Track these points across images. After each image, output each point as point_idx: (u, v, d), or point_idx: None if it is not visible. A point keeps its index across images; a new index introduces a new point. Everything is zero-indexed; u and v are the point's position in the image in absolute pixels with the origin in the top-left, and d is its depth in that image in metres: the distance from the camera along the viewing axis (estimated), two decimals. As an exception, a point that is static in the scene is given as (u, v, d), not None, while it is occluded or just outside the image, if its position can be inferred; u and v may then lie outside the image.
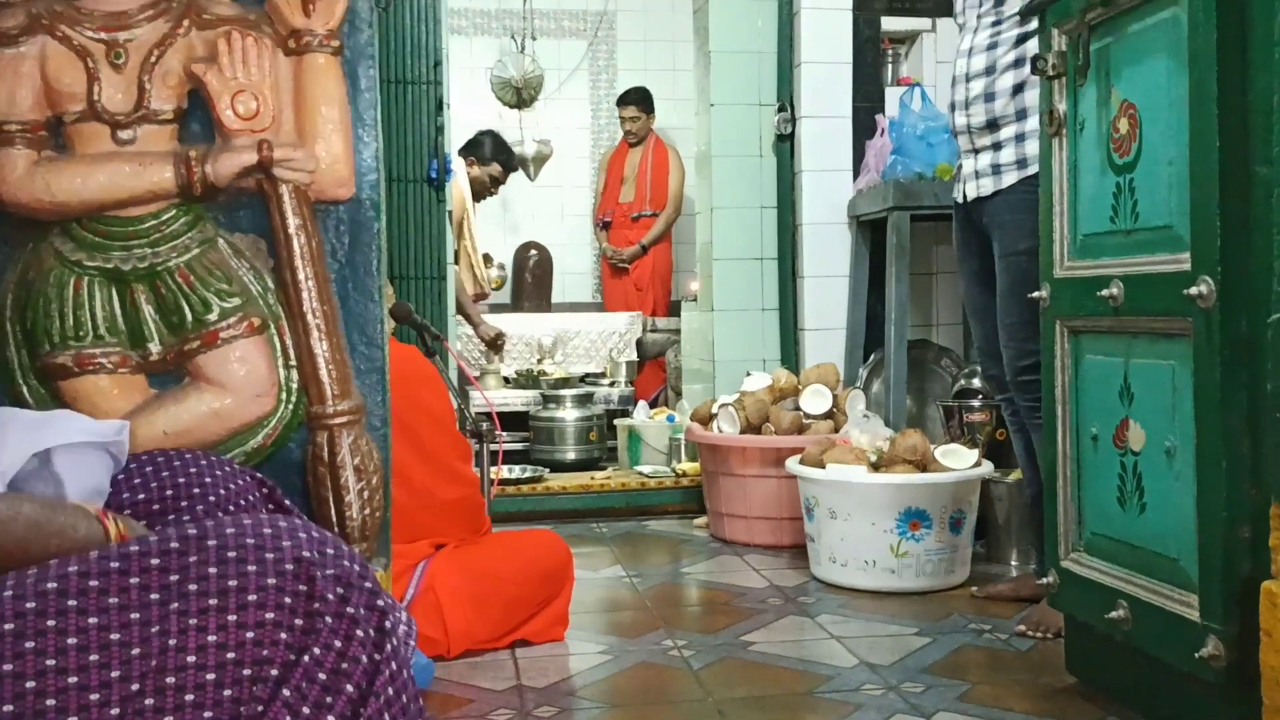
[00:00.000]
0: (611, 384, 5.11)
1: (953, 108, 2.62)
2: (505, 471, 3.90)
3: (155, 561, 0.91)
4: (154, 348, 1.46)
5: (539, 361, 5.23)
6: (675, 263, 6.15)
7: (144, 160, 1.43)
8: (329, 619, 0.94)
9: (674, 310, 5.62)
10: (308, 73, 1.48)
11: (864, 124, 3.74)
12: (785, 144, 3.85)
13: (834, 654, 2.30)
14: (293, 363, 1.48)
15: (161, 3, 1.47)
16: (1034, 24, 2.42)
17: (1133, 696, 1.93)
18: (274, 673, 0.91)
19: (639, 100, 5.97)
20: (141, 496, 1.27)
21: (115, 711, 0.87)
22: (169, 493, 1.26)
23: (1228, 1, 1.59)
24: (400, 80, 3.53)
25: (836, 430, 3.23)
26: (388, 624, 0.98)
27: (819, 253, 3.77)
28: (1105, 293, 1.84)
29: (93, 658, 0.87)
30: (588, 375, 5.25)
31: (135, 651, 0.88)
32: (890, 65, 3.91)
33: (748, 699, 2.05)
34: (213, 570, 0.91)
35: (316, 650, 0.93)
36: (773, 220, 3.90)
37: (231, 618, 0.90)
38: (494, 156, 5.28)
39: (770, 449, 3.28)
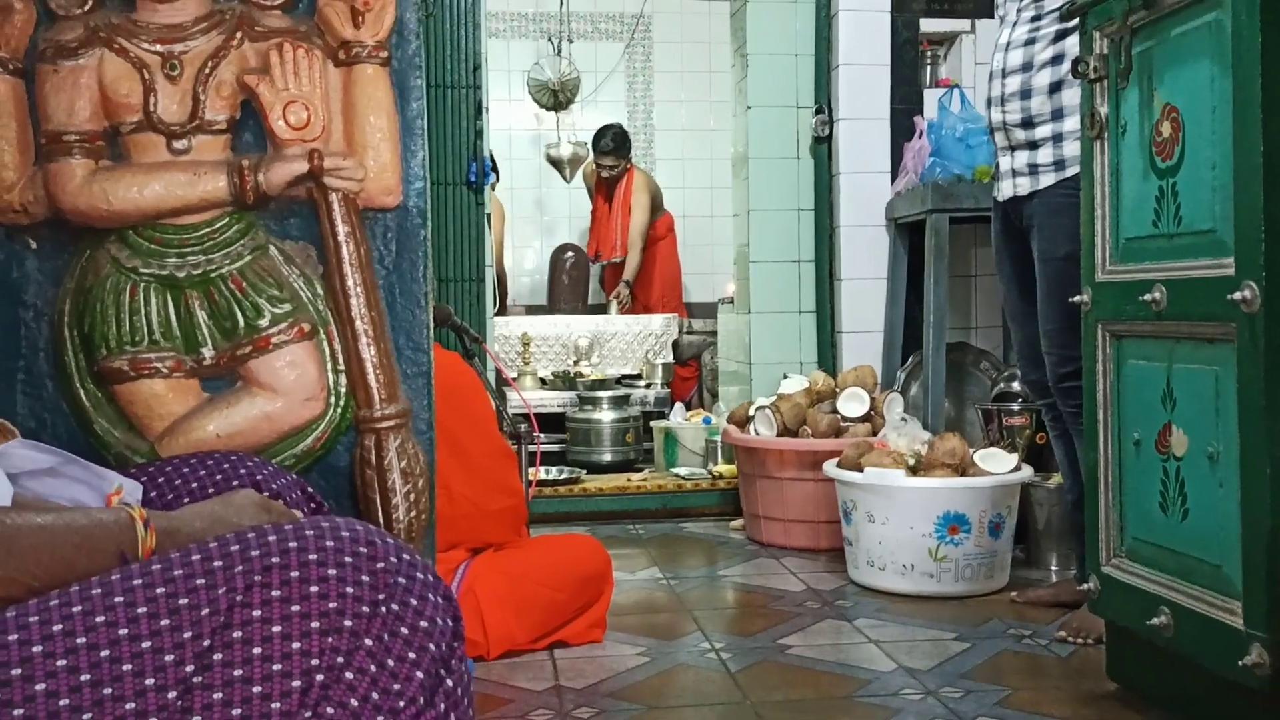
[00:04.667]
0: (648, 386, 5.13)
1: (989, 103, 2.57)
2: (542, 473, 3.93)
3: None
4: (207, 352, 1.49)
5: (575, 363, 5.25)
6: (687, 265, 6.15)
7: (198, 169, 1.47)
8: (401, 579, 0.91)
9: (709, 312, 5.63)
10: (357, 83, 1.51)
11: (902, 126, 3.73)
12: (823, 146, 3.84)
13: (872, 658, 2.30)
14: (341, 367, 1.52)
15: (215, 15, 1.51)
16: (1074, 21, 2.41)
17: (1174, 704, 1.92)
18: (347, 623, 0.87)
19: (617, 149, 5.69)
20: (189, 491, 1.30)
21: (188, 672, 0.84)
22: (221, 485, 1.29)
23: (1272, 6, 1.58)
24: (440, 84, 3.56)
25: (874, 433, 3.23)
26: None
27: (857, 255, 3.76)
28: (1148, 297, 1.83)
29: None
30: (624, 377, 5.27)
31: (205, 612, 0.86)
32: (929, 67, 3.89)
33: (785, 702, 2.06)
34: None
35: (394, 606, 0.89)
36: (810, 223, 3.90)
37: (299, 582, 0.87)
38: None
39: (807, 452, 3.28)
